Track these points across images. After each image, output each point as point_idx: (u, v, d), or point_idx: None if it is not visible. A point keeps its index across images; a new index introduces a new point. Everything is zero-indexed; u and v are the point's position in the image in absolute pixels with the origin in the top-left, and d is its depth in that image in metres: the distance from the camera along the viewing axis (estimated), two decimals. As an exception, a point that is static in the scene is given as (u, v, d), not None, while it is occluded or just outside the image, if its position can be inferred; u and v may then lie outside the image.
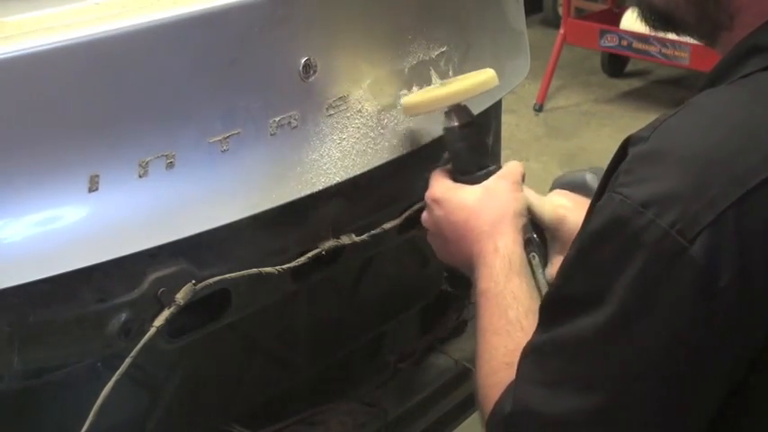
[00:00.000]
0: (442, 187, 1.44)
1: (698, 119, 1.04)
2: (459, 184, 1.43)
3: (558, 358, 1.06)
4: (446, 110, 1.49)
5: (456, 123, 1.47)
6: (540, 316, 1.14)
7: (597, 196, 1.09)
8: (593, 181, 1.63)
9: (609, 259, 1.02)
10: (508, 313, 1.26)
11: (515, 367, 1.14)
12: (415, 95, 1.55)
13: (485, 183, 1.43)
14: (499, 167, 1.46)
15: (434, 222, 1.43)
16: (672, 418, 1.02)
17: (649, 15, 1.19)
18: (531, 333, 1.21)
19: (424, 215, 1.46)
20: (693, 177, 0.99)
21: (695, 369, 1.00)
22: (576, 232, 1.45)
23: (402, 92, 1.56)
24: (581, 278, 1.06)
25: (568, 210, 1.48)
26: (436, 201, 1.43)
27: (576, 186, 1.61)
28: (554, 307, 1.10)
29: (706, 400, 1.02)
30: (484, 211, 1.38)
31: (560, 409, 1.04)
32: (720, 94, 1.07)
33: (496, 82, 1.51)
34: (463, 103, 1.48)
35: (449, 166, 1.48)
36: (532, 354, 1.10)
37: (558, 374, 1.06)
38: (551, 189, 1.65)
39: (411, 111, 1.54)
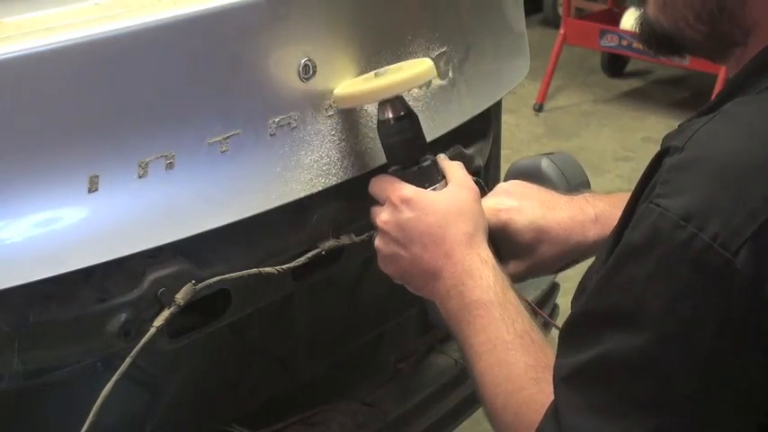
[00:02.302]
0: (409, 188, 1.36)
1: (732, 128, 1.03)
2: (424, 190, 1.37)
3: (604, 381, 1.03)
4: (381, 102, 1.42)
5: (390, 116, 1.41)
6: (571, 334, 1.10)
7: (630, 208, 1.08)
8: (547, 167, 1.61)
9: (650, 274, 1.00)
10: (516, 326, 1.22)
11: (543, 383, 1.13)
12: (348, 86, 1.46)
13: (448, 191, 1.37)
14: (434, 160, 1.41)
15: (398, 224, 1.34)
16: (730, 428, 1.01)
17: (654, 40, 1.17)
18: (544, 345, 1.21)
19: (384, 216, 1.35)
20: (732, 187, 0.98)
21: (748, 379, 0.99)
22: (523, 233, 1.44)
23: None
24: (619, 293, 1.03)
25: (512, 211, 1.44)
26: (406, 201, 1.34)
27: (530, 173, 1.59)
28: (589, 324, 1.07)
29: (760, 409, 1.00)
30: (459, 220, 1.32)
31: None
32: (752, 104, 1.05)
33: (434, 73, 1.45)
34: (398, 95, 1.42)
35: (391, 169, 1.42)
36: (572, 377, 1.07)
37: (607, 399, 1.03)
38: (506, 175, 1.63)
39: (343, 102, 1.45)
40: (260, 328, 1.58)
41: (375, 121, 1.48)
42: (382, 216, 1.36)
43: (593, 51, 5.52)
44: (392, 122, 1.41)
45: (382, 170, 1.47)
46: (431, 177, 1.40)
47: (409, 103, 1.44)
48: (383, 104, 1.42)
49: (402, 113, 1.42)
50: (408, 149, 1.42)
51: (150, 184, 1.27)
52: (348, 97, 1.45)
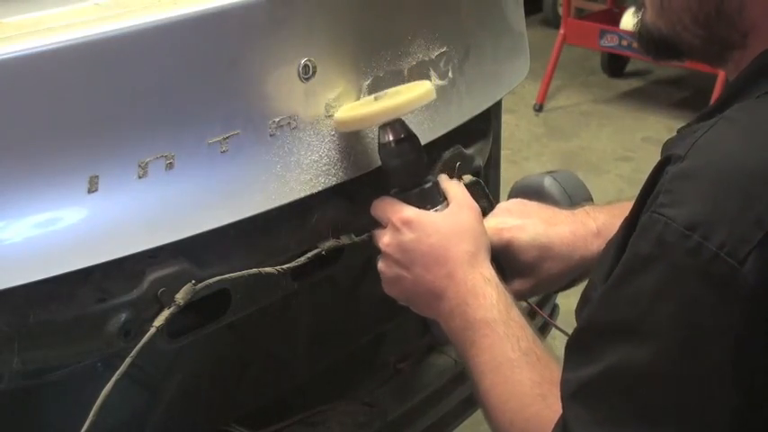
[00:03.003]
0: (410, 210, 1.37)
1: (733, 134, 1.02)
2: (425, 211, 1.38)
3: (612, 395, 1.03)
4: (381, 125, 1.42)
5: (391, 138, 1.41)
6: (577, 347, 1.09)
7: (633, 217, 1.07)
8: (550, 186, 1.61)
9: (656, 285, 0.99)
10: (520, 344, 1.22)
11: (549, 398, 1.12)
12: (348, 110, 1.46)
13: (449, 212, 1.38)
14: (436, 181, 1.42)
15: (400, 246, 1.35)
16: None
17: (652, 45, 1.17)
18: (549, 361, 1.20)
19: (386, 238, 1.37)
20: (737, 195, 0.97)
21: (756, 388, 0.98)
22: (526, 251, 1.44)
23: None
24: (625, 305, 1.02)
25: (514, 230, 1.44)
26: (407, 223, 1.35)
27: (533, 191, 1.59)
28: (595, 337, 1.06)
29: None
30: (461, 240, 1.33)
31: None
32: (753, 109, 1.05)
33: (433, 96, 1.44)
34: (398, 118, 1.42)
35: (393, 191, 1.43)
36: (579, 392, 1.06)
37: (615, 413, 1.02)
38: (509, 194, 1.64)
39: (344, 126, 1.45)
40: (260, 328, 1.58)
41: (375, 121, 1.48)
42: (384, 239, 1.38)
43: (593, 51, 5.53)
44: (393, 145, 1.42)
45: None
46: (432, 199, 1.41)
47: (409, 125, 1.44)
48: (383, 128, 1.42)
49: (402, 136, 1.42)
50: (409, 172, 1.42)
51: (150, 185, 1.27)
52: (348, 121, 1.45)
